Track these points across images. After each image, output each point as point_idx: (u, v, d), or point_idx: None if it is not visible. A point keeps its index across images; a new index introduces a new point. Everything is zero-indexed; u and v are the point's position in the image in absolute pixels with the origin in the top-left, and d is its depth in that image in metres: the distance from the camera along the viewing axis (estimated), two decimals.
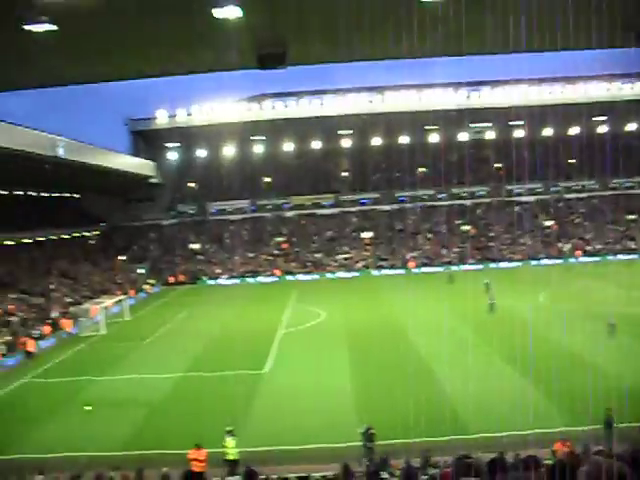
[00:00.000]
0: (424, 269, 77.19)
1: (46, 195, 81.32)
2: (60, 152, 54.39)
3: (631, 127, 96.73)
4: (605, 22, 17.83)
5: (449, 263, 78.72)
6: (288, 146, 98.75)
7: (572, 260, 77.77)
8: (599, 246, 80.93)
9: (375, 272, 77.87)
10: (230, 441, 21.28)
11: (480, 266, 76.63)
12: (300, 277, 78.44)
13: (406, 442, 20.76)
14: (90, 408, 29.24)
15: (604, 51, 25.40)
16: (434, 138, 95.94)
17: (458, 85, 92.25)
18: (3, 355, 41.10)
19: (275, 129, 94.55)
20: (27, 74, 22.04)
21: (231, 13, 15.46)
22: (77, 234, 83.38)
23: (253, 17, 16.58)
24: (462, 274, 70.72)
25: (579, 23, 17.45)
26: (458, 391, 27.75)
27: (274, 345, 40.47)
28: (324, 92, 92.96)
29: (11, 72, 21.56)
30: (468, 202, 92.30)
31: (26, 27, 15.26)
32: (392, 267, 78.41)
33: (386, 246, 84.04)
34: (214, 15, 15.54)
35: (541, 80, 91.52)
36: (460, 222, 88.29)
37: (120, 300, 57.71)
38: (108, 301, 54.59)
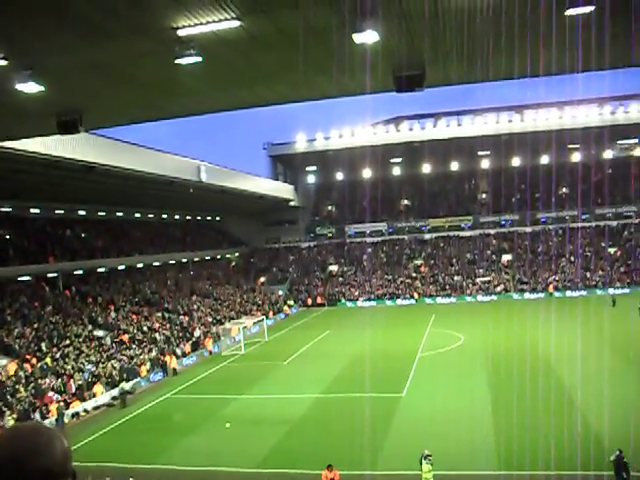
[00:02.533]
0: (567, 293, 74.02)
1: (190, 218, 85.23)
2: (203, 176, 56.84)
3: None
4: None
5: (594, 287, 75.07)
6: (426, 168, 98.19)
7: None
8: None
9: (515, 295, 75.58)
10: (426, 465, 21.24)
11: (627, 290, 72.46)
12: (438, 300, 77.49)
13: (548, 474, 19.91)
14: (229, 425, 30.17)
15: None
16: (577, 157, 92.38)
17: (602, 100, 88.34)
18: (148, 371, 43.23)
19: (412, 151, 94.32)
20: (177, 103, 23.29)
21: (369, 38, 15.66)
22: (219, 256, 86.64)
23: (390, 40, 16.70)
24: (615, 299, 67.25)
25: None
26: (606, 425, 26.26)
27: (413, 368, 40.10)
28: (462, 113, 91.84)
29: (162, 102, 22.87)
30: (614, 223, 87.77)
31: (177, 61, 16.16)
32: (533, 290, 75.78)
33: (527, 269, 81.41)
34: (353, 40, 15.80)
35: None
36: (605, 244, 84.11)
37: (260, 320, 59.20)
38: (248, 321, 56.21)
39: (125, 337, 48.01)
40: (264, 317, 61.28)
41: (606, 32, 15.03)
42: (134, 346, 46.92)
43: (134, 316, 53.85)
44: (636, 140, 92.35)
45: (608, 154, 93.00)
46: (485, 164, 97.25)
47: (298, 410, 32.33)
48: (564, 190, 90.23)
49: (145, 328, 51.59)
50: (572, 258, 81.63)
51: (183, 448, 27.48)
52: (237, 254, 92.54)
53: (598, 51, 16.55)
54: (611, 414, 26.79)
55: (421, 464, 21.24)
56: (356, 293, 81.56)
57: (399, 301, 78.36)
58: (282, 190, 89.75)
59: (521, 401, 30.20)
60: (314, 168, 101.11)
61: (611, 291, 72.28)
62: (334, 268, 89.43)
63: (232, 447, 27.19)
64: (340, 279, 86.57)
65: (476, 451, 24.30)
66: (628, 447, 22.62)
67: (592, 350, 40.39)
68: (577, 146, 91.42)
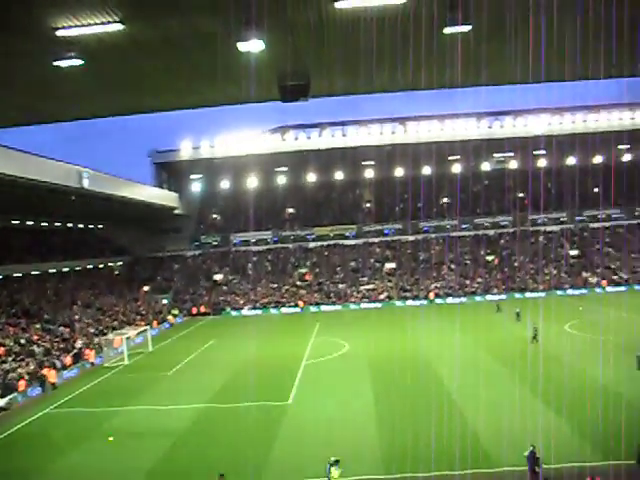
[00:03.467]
0: (448, 300, 76.62)
1: (71, 226, 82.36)
2: (85, 183, 55.04)
3: None
4: (625, 51, 17.84)
5: (473, 293, 78.08)
6: (311, 177, 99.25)
7: (598, 290, 76.74)
8: (625, 276, 79.87)
9: (398, 303, 77.37)
10: (334, 471, 21.25)
11: (504, 296, 75.79)
12: (323, 308, 78.16)
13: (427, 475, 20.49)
14: (112, 439, 29.26)
15: (627, 79, 25.34)
16: (457, 168, 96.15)
17: (480, 115, 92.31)
18: (26, 385, 41.32)
19: (298, 160, 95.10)
20: (57, 107, 22.48)
21: (254, 46, 15.64)
22: (102, 265, 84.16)
23: (275, 50, 16.80)
24: (488, 305, 70.30)
25: (600, 52, 17.47)
26: (483, 423, 27.40)
27: (298, 376, 40.26)
28: (346, 123, 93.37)
29: (41, 105, 22.00)
30: (492, 232, 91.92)
31: (56, 63, 15.58)
32: (415, 298, 77.88)
33: (409, 277, 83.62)
34: (238, 48, 15.74)
35: (563, 109, 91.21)
36: (484, 252, 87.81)
37: (143, 331, 57.86)
38: (131, 332, 54.76)
39: (1, 350, 45.68)
40: (148, 327, 59.86)
41: (483, 51, 15.70)
42: (10, 359, 44.72)
43: (11, 328, 51.35)
44: (511, 153, 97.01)
45: (485, 166, 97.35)
46: (369, 174, 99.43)
47: (183, 421, 31.78)
48: (445, 200, 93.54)
49: (23, 340, 49.30)
50: (452, 266, 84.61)
51: (62, 467, 26.36)
52: (120, 263, 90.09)
53: (476, 68, 17.28)
54: (488, 413, 28.01)
55: (330, 473, 21.37)
56: (241, 302, 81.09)
57: (284, 309, 78.49)
58: (167, 198, 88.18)
59: (403, 404, 31.05)
60: (199, 176, 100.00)
61: (490, 297, 75.45)
62: (219, 277, 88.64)
63: (115, 463, 26.35)
64: (225, 288, 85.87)
65: (361, 456, 24.68)
66: (502, 442, 23.71)
67: (470, 353, 42.18)
68: (457, 158, 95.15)
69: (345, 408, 31.98)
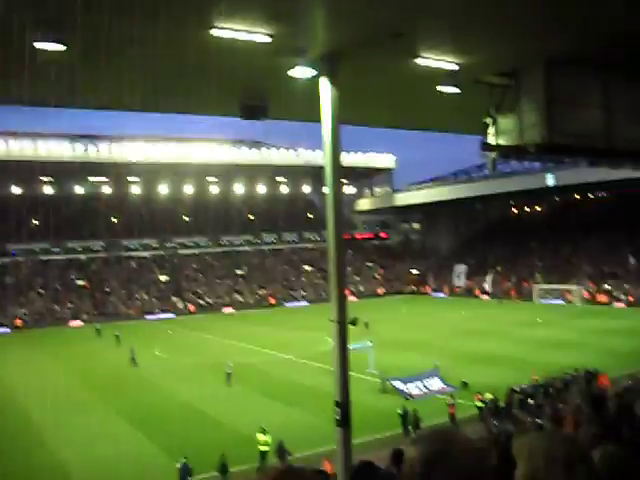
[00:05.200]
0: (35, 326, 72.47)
1: None
2: None
3: (239, 189, 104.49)
4: (222, 91, 19.34)
5: (63, 319, 75.34)
6: None
7: (187, 315, 79.97)
8: (211, 300, 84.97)
9: None
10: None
11: (97, 324, 74.40)
12: None
13: None
14: None
15: (220, 118, 27.26)
16: (49, 190, 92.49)
17: (75, 137, 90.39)
18: None
19: None
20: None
21: None
22: None
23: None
24: (75, 331, 68.62)
25: (198, 89, 18.69)
26: (75, 455, 26.52)
27: None
28: None
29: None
30: (83, 257, 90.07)
31: None
32: (0, 325, 72.14)
33: None
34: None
35: (159, 138, 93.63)
36: (75, 277, 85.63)
37: None
38: None
39: None
40: None
41: (78, 73, 15.60)
42: None
43: None
44: (105, 178, 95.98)
45: (79, 189, 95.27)
46: None
47: None
48: (36, 222, 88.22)
49: None
50: (42, 291, 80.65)
51: None
52: None
53: (69, 89, 17.05)
54: (78, 443, 27.30)
55: None
56: None
57: None
58: None
59: None
60: None
61: (86, 323, 73.69)
62: None
63: None
64: None
65: None
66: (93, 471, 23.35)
67: (62, 382, 40.58)
68: (51, 179, 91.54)
69: None
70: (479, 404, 29.13)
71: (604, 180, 63.58)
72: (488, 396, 29.17)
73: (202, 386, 37.76)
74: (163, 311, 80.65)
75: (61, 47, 13.54)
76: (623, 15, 14.41)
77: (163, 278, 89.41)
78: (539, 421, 22.33)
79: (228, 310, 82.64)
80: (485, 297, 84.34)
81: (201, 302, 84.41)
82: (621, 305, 69.36)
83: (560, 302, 74.28)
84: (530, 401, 29.01)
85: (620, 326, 53.86)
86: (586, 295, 73.68)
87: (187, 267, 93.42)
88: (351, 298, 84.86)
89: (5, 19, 12.41)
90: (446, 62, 17.16)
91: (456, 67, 17.34)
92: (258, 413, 30.10)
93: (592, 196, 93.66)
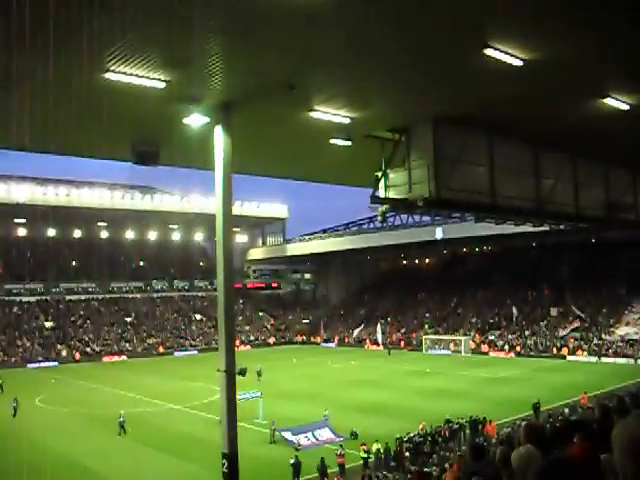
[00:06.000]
0: None
1: None
2: None
3: (130, 235, 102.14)
4: (115, 135, 19.03)
5: None
6: None
7: (72, 363, 76.68)
8: (97, 348, 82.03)
9: None
10: None
11: None
12: None
13: None
14: None
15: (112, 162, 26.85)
16: None
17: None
18: None
19: None
20: None
21: None
22: None
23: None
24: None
25: (90, 131, 18.31)
26: None
27: None
28: None
29: None
30: None
31: None
32: None
33: None
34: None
35: (48, 180, 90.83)
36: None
37: None
38: None
39: None
40: None
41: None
42: None
43: None
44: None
45: None
46: None
47: None
48: None
49: None
50: None
51: None
52: None
53: None
54: None
55: None
56: None
57: None
58: None
59: None
60: None
61: None
62: None
63: None
64: None
65: None
66: None
67: None
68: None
69: None
70: (363, 455, 29.13)
71: (489, 235, 66.22)
72: (375, 446, 29.30)
73: (85, 438, 36.08)
74: (46, 359, 76.96)
75: None
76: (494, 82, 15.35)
77: (48, 324, 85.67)
78: (427, 469, 22.57)
79: (115, 358, 79.95)
80: (374, 347, 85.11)
81: (87, 350, 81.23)
82: (507, 354, 71.80)
83: (447, 352, 76.08)
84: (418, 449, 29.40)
85: (506, 374, 55.83)
86: (472, 345, 75.90)
87: (74, 313, 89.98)
88: (242, 347, 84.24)
89: None
90: (339, 116, 17.60)
91: (349, 120, 17.80)
92: (144, 465, 29.13)
93: (478, 249, 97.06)
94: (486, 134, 19.31)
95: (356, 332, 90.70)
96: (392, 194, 18.74)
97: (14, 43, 12.30)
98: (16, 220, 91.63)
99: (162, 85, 14.58)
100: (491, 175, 19.39)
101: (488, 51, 13.31)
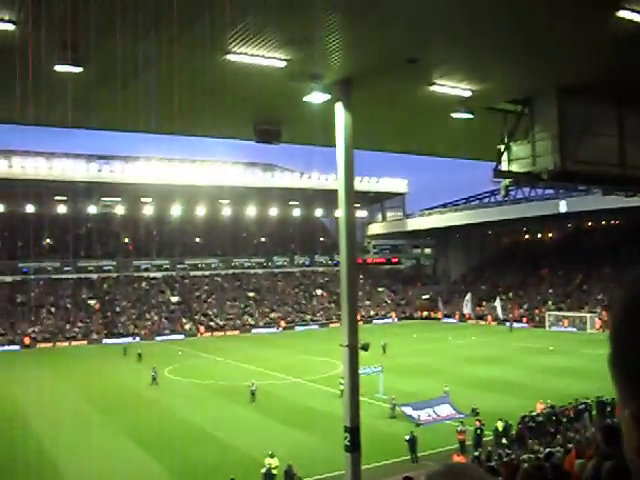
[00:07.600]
0: (46, 344, 72.66)
1: None
2: None
3: (251, 212, 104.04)
4: (237, 115, 19.46)
5: (73, 338, 75.43)
6: None
7: (196, 336, 79.74)
8: (221, 322, 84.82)
9: None
10: None
11: (109, 340, 74.90)
12: None
13: None
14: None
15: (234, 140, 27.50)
16: (62, 209, 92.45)
17: (90, 157, 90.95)
18: None
19: None
20: None
21: None
22: None
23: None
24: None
25: (213, 112, 18.83)
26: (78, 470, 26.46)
27: None
28: None
29: None
30: (95, 276, 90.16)
31: None
32: (11, 343, 72.22)
33: (4, 320, 77.21)
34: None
35: (173, 160, 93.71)
36: (86, 296, 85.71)
37: None
38: None
39: None
40: None
41: (93, 95, 15.79)
42: None
43: None
44: (118, 198, 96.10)
45: (92, 209, 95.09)
46: None
47: None
48: (47, 241, 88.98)
49: None
50: (52, 309, 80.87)
51: None
52: None
53: (85, 111, 17.26)
54: (85, 464, 27.17)
55: None
56: None
57: None
58: None
59: None
60: None
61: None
62: None
63: None
64: None
65: None
66: None
67: (71, 402, 40.43)
68: (64, 198, 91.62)
69: None
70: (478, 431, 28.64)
71: (617, 207, 63.21)
72: (500, 424, 28.84)
73: (213, 408, 37.57)
74: (173, 332, 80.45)
75: (78, 69, 13.70)
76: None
77: (174, 299, 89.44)
78: (551, 449, 22.00)
79: (238, 332, 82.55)
80: (495, 324, 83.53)
81: (211, 324, 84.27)
82: None
83: (572, 329, 73.69)
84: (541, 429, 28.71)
85: None
86: (598, 323, 73.01)
87: (198, 288, 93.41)
88: (360, 323, 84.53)
89: (24, 42, 12.57)
90: (460, 89, 17.23)
91: (469, 93, 17.40)
92: (267, 436, 29.98)
93: (605, 222, 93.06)
94: (614, 102, 18.39)
95: (473, 309, 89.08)
96: (515, 167, 18.24)
97: (140, 30, 12.74)
98: (143, 199, 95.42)
99: (282, 64, 14.75)
100: (620, 145, 18.48)
101: (621, 13, 12.59)
